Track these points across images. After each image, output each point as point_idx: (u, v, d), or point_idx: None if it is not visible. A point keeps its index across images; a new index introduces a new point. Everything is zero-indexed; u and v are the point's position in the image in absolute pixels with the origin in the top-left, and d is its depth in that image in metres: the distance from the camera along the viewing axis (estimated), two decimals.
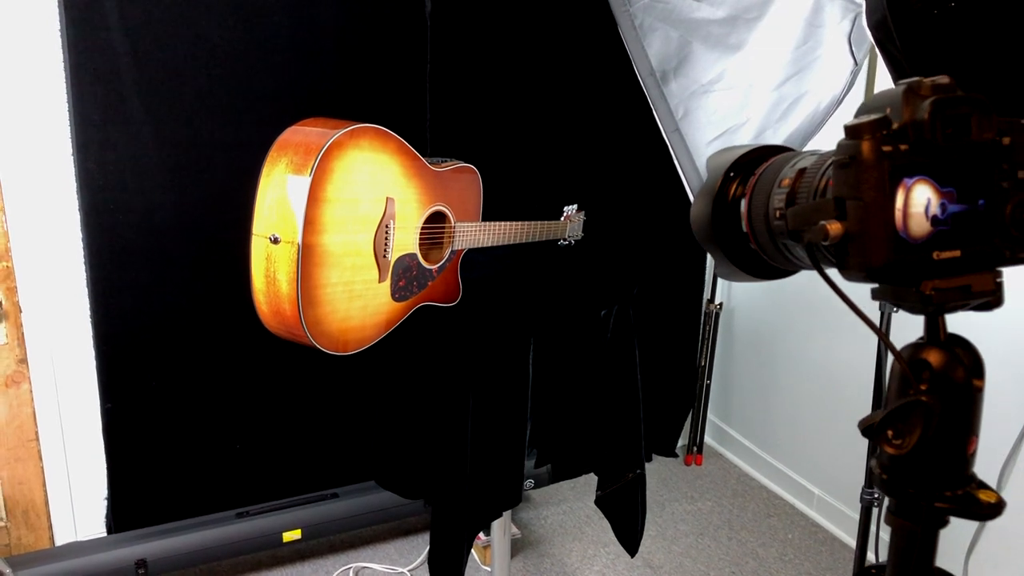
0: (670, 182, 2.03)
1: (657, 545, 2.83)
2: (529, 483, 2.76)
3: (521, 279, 2.11)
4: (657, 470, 3.32)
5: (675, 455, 3.32)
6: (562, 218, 2.19)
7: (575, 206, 2.23)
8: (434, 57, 2.43)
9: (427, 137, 2.49)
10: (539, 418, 2.06)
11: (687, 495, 3.15)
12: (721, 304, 3.21)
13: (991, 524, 2.19)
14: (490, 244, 1.99)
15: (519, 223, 2.02)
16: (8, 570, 2.15)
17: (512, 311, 1.99)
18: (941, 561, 2.23)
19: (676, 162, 1.88)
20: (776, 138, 1.78)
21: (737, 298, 3.28)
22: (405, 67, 2.42)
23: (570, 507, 3.04)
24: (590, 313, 1.98)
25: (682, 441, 3.38)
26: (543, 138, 2.54)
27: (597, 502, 2.20)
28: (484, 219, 2.02)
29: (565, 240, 2.23)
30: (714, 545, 2.83)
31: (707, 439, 3.48)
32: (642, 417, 2.06)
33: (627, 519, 2.17)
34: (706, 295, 3.22)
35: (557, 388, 2.05)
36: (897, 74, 1.17)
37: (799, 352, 2.99)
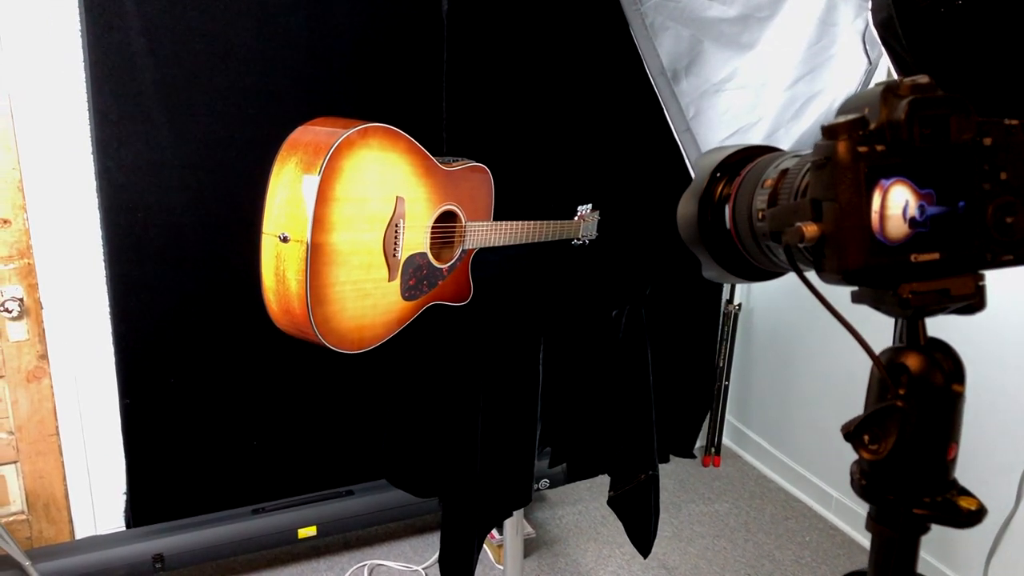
0: (684, 182, 2.02)
1: (673, 546, 2.82)
2: (544, 483, 2.75)
3: (532, 279, 2.11)
4: (674, 471, 3.30)
5: (693, 456, 3.29)
6: (575, 217, 2.18)
7: (589, 205, 2.22)
8: (451, 57, 2.43)
9: (443, 136, 2.49)
10: (551, 418, 2.06)
11: (704, 496, 3.13)
12: (740, 304, 3.19)
13: (1014, 526, 2.15)
14: (501, 243, 1.99)
15: (530, 223, 2.02)
16: (28, 562, 2.18)
17: (522, 310, 1.99)
18: (961, 563, 2.20)
19: (687, 162, 1.86)
20: (788, 138, 1.77)
21: (756, 298, 3.26)
22: (422, 67, 2.42)
23: (586, 507, 3.03)
24: (601, 313, 1.97)
25: (700, 442, 3.36)
26: (559, 137, 2.54)
27: (610, 502, 2.19)
28: (498, 218, 2.02)
29: (579, 240, 2.22)
30: (730, 547, 2.81)
31: (725, 440, 3.45)
32: (654, 419, 2.05)
33: (640, 520, 2.16)
34: (725, 295, 3.20)
35: (568, 388, 2.04)
36: (903, 73, 1.16)
37: (818, 353, 2.96)
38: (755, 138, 1.78)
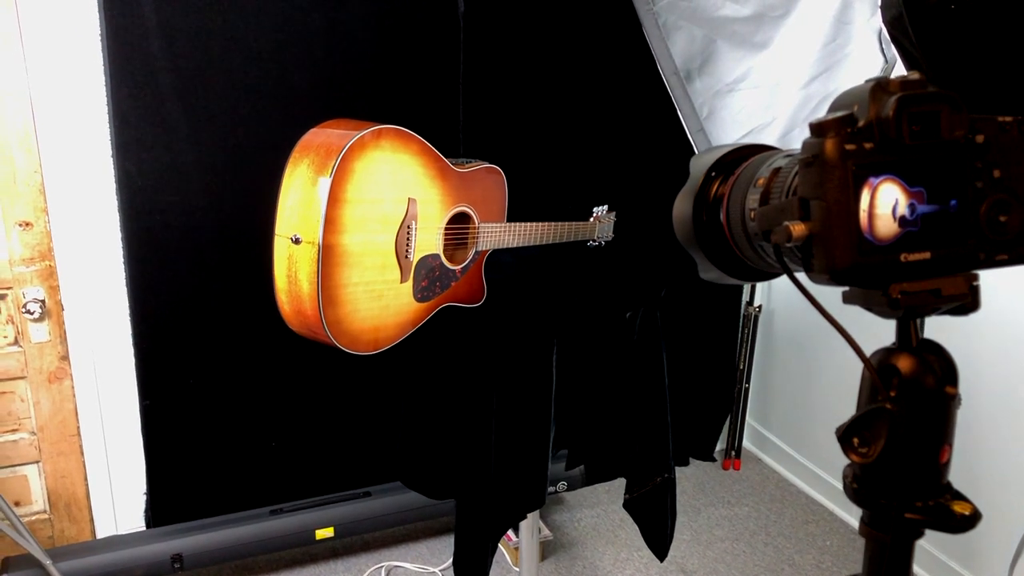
0: None
1: (691, 550, 2.80)
2: (562, 485, 2.74)
3: (546, 280, 2.10)
4: (694, 474, 3.28)
5: (713, 459, 3.28)
6: (591, 219, 2.18)
7: (605, 207, 2.21)
8: (467, 58, 2.44)
9: (460, 138, 2.50)
10: (567, 420, 2.05)
11: (724, 500, 3.11)
12: (760, 306, 3.16)
13: None
14: (515, 245, 1.98)
15: (544, 224, 2.01)
16: (49, 561, 2.21)
17: (536, 312, 1.99)
18: (984, 567, 2.16)
19: None
20: (803, 137, 1.75)
21: (777, 300, 3.23)
22: (439, 68, 2.43)
23: (604, 510, 3.02)
24: (615, 315, 1.96)
25: (720, 445, 3.33)
26: (575, 138, 2.54)
27: (625, 505, 2.18)
28: (515, 219, 2.02)
29: (595, 241, 2.21)
30: (749, 551, 2.79)
31: (745, 443, 3.43)
32: (670, 422, 2.03)
33: (656, 523, 2.15)
34: (745, 297, 3.17)
35: (583, 390, 2.03)
36: None
37: (840, 355, 2.92)
38: (769, 138, 1.77)
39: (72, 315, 2.35)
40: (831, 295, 0.63)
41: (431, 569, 2.68)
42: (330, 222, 1.58)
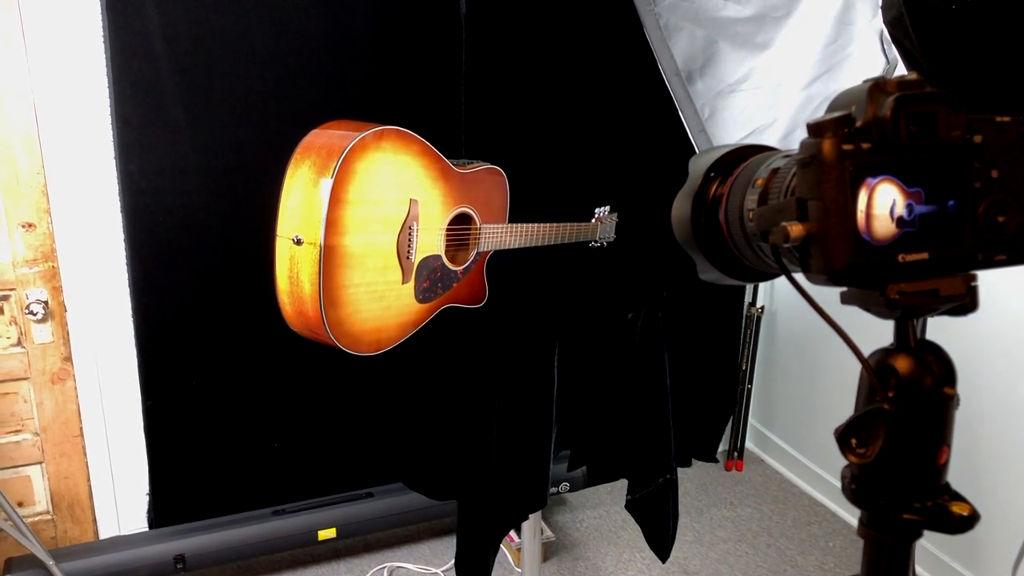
0: None
1: (694, 551, 2.80)
2: (564, 486, 2.74)
3: (548, 281, 2.10)
4: (697, 475, 3.27)
5: (715, 460, 3.28)
6: (593, 220, 2.18)
7: (607, 208, 2.21)
8: (469, 59, 2.44)
9: (462, 139, 2.50)
10: (569, 421, 2.05)
11: (727, 501, 3.11)
12: (763, 307, 3.16)
13: None
14: (516, 246, 1.98)
15: (545, 225, 2.01)
16: (52, 562, 2.21)
17: (538, 313, 1.99)
18: (987, 569, 2.15)
19: None
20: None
21: (779, 301, 3.22)
22: (440, 69, 2.43)
23: (606, 511, 3.01)
24: (617, 316, 1.96)
25: (723, 446, 3.33)
26: (577, 139, 2.54)
27: (627, 506, 2.18)
28: (517, 220, 2.02)
29: (596, 242, 2.21)
30: (752, 552, 2.79)
31: (748, 444, 3.42)
32: (672, 422, 2.03)
33: (658, 524, 2.14)
34: (747, 298, 3.17)
35: (584, 391, 2.03)
36: None
37: (842, 356, 2.91)
38: (771, 139, 1.76)
39: (75, 316, 2.35)
40: (830, 295, 0.63)
41: (433, 570, 2.68)
42: (332, 223, 1.58)
